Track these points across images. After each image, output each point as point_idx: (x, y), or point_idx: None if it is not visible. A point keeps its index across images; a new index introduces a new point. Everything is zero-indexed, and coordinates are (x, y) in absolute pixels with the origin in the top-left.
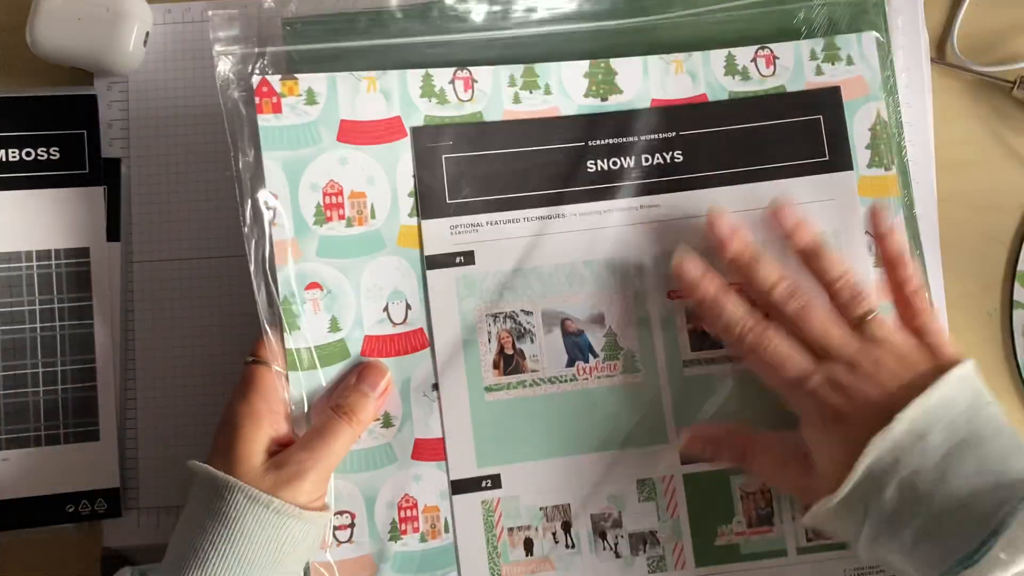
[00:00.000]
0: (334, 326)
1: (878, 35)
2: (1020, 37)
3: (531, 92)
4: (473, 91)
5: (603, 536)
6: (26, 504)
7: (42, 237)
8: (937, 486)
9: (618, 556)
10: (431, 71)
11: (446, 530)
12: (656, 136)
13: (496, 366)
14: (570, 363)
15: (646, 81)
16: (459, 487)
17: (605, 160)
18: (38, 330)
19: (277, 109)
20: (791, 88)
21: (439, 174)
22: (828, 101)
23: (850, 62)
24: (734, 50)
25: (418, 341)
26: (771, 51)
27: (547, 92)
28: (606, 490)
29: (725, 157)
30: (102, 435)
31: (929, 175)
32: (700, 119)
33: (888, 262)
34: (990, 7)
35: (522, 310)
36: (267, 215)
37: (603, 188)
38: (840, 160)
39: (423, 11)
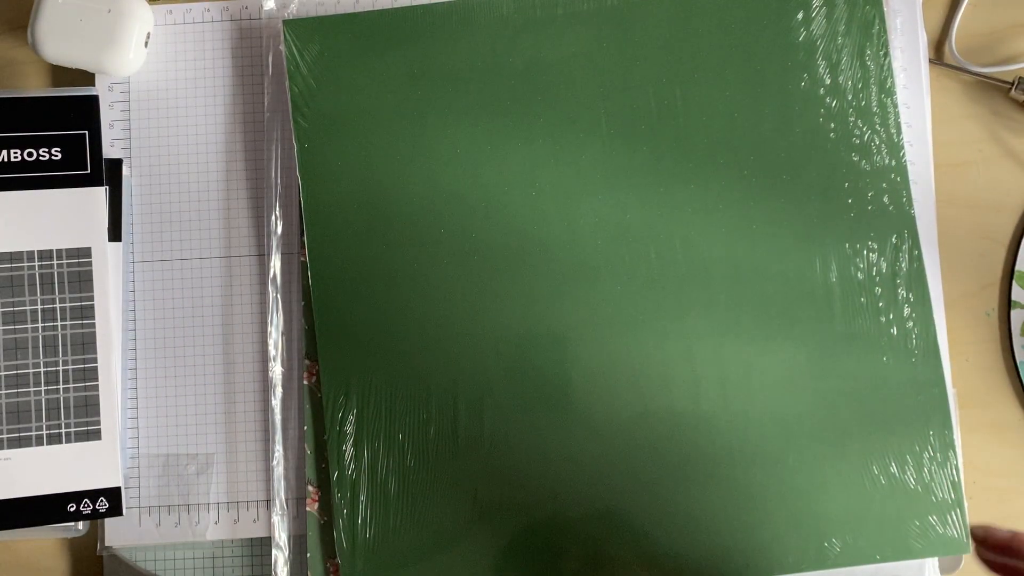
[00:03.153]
0: None
1: None
2: (1018, 38)
3: None
4: None
5: None
6: (28, 503)
7: (44, 237)
8: None
9: None
10: None
11: None
12: None
13: None
14: None
15: None
16: None
17: None
18: (40, 330)
19: None
20: None
21: None
22: None
23: None
24: None
25: None
26: None
27: None
28: None
29: None
30: (103, 434)
31: (927, 175)
32: None
33: None
34: (988, 8)
35: None
36: None
37: None
38: None
39: None
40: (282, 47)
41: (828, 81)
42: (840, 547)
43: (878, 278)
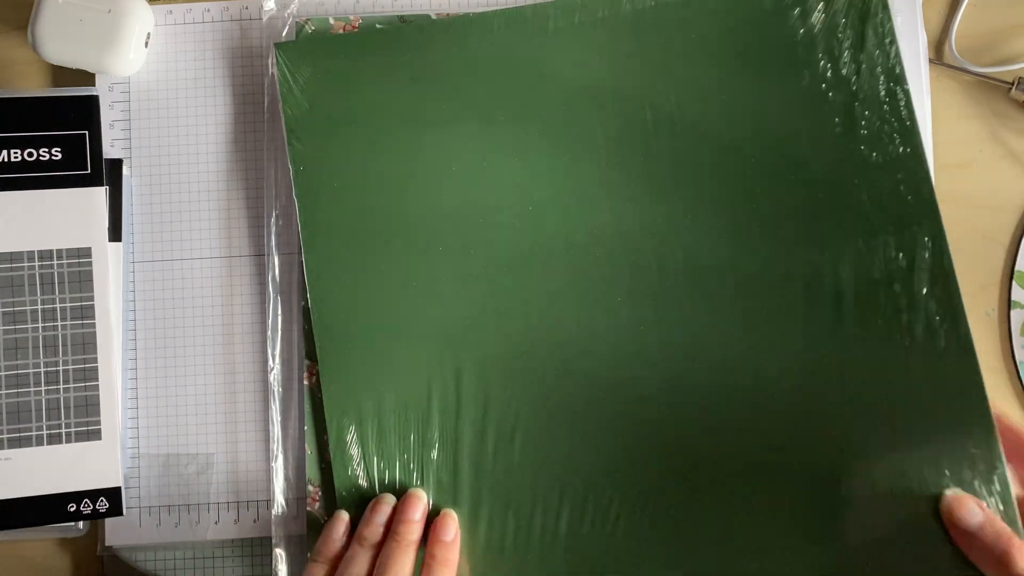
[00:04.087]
0: None
1: None
2: (1018, 38)
3: None
4: None
5: None
6: (28, 503)
7: (44, 237)
8: None
9: None
10: None
11: None
12: None
13: None
14: None
15: None
16: None
17: None
18: (40, 330)
19: None
20: None
21: None
22: None
23: None
24: None
25: None
26: None
27: None
28: None
29: None
30: (104, 434)
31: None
32: None
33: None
34: (988, 8)
35: None
36: None
37: None
38: None
39: None
40: (273, 71)
41: (830, 75)
42: (863, 570)
43: (898, 274)
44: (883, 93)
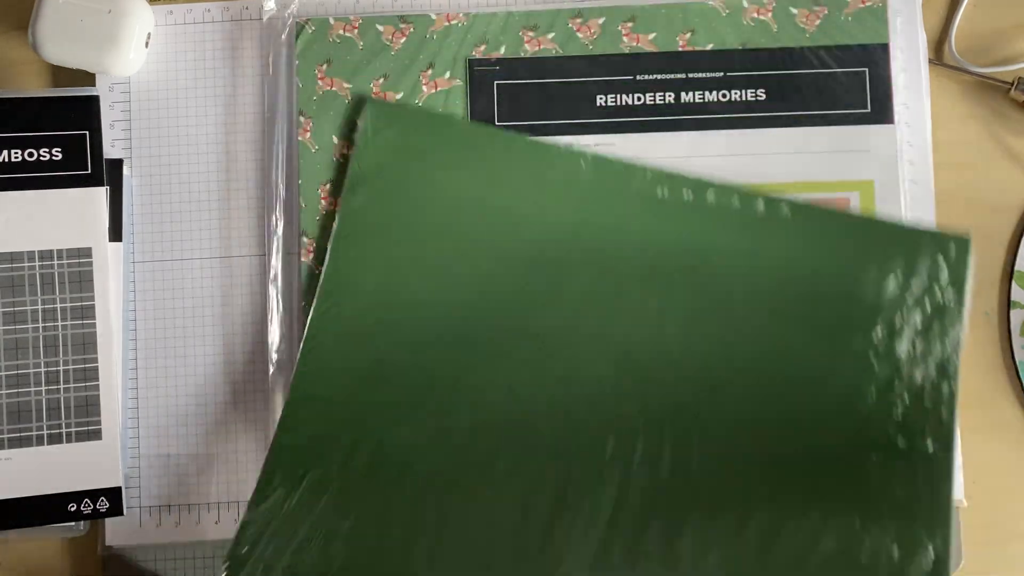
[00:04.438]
0: None
1: None
2: (1018, 38)
3: None
4: None
5: None
6: (28, 503)
7: (45, 237)
8: None
9: None
10: None
11: None
12: None
13: None
14: None
15: None
16: None
17: None
18: (40, 330)
19: None
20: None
21: None
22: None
23: None
24: None
25: None
26: None
27: None
28: None
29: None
30: (104, 434)
31: (927, 175)
32: None
33: None
34: (988, 8)
35: None
36: None
37: None
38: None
39: None
40: (360, 121)
41: (883, 347)
42: None
43: (886, 569)
44: (929, 385)
